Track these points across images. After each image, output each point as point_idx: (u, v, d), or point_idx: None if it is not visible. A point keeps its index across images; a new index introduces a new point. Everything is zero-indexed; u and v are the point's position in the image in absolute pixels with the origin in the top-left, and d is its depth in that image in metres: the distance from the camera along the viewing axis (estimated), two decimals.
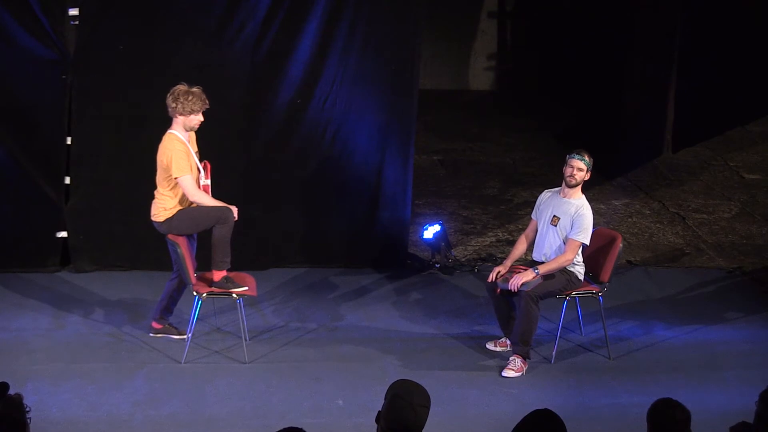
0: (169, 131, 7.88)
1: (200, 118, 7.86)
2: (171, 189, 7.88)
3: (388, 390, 4.56)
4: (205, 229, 7.99)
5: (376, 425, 4.53)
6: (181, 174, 7.78)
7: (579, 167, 8.03)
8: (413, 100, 9.58)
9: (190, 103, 7.77)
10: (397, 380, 4.64)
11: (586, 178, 8.11)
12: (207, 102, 7.85)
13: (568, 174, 8.05)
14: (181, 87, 7.82)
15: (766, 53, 13.70)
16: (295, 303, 9.11)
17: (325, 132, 9.51)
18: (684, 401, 4.93)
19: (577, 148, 8.17)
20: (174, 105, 7.80)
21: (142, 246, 9.28)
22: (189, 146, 7.88)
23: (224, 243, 7.89)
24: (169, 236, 7.92)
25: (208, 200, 7.90)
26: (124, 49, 9.07)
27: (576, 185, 8.08)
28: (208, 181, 8.01)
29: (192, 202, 7.92)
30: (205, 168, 8.01)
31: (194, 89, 7.82)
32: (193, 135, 8.00)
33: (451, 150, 13.31)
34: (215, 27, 9.15)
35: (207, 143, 8.20)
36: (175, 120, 7.86)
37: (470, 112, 14.96)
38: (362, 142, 9.58)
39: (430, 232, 9.94)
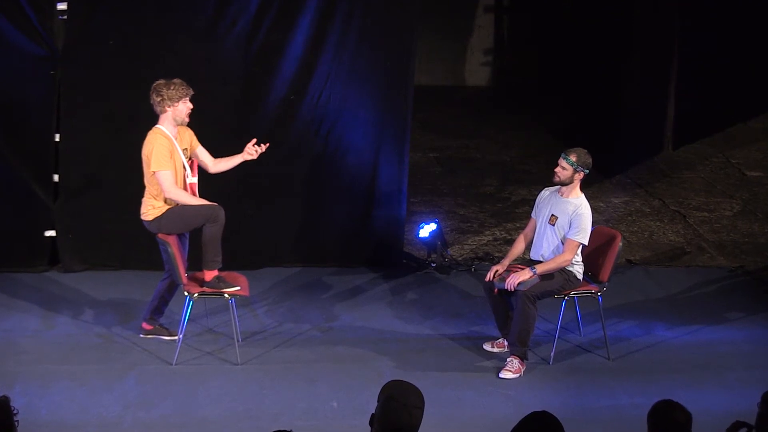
0: (155, 126, 7.84)
1: (189, 105, 7.83)
2: (159, 187, 7.78)
3: (381, 391, 4.52)
4: (195, 227, 7.94)
5: (370, 428, 4.47)
6: (160, 168, 7.71)
7: (562, 166, 7.99)
8: (408, 96, 9.55)
9: (174, 91, 7.75)
10: (391, 381, 4.60)
11: (580, 177, 8.02)
12: (190, 88, 7.83)
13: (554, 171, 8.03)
14: (160, 81, 7.83)
15: (767, 49, 13.64)
16: (289, 303, 9.06)
17: (319, 129, 9.48)
18: (685, 402, 4.91)
19: (574, 147, 8.09)
20: (159, 98, 7.77)
21: (132, 245, 9.23)
22: (175, 142, 7.81)
23: (215, 242, 7.83)
24: (159, 235, 7.86)
25: (186, 198, 7.83)
26: (113, 45, 9.03)
27: (561, 183, 8.03)
28: (195, 179, 7.95)
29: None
30: (191, 166, 7.94)
31: (174, 80, 7.81)
32: (186, 132, 7.94)
33: (447, 147, 13.30)
34: (206, 22, 9.11)
35: (199, 141, 8.11)
36: (163, 115, 7.81)
37: (466, 108, 15.00)
38: (357, 139, 9.55)
39: (426, 230, 9.89)
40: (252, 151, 8.11)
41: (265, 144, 8.10)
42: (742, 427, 5.01)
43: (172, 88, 7.75)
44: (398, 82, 9.47)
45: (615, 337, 8.56)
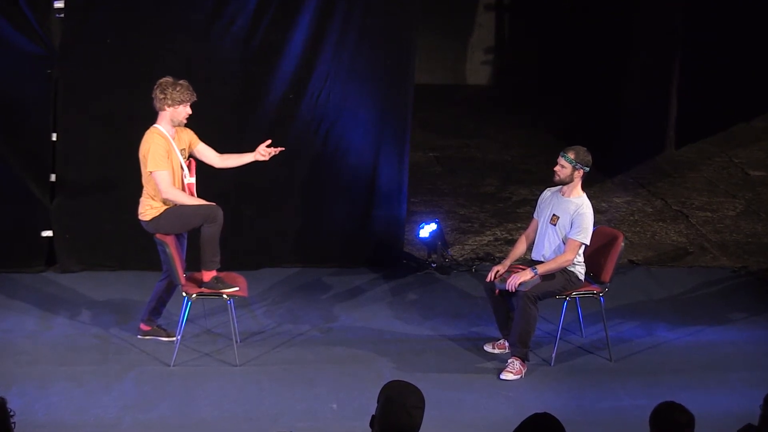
0: (152, 126, 7.80)
1: (188, 110, 7.79)
2: (156, 187, 7.73)
3: (380, 392, 4.49)
4: (193, 228, 7.89)
5: (370, 429, 4.45)
6: (156, 168, 7.67)
7: (561, 164, 7.95)
8: (408, 95, 9.51)
9: (179, 93, 7.70)
10: (390, 381, 4.57)
11: (580, 176, 7.97)
12: (194, 94, 7.79)
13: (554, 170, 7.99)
14: (168, 79, 7.77)
15: None
16: (288, 304, 9.02)
17: (318, 128, 9.44)
18: (687, 404, 4.89)
19: (573, 145, 8.04)
20: (162, 96, 7.72)
21: (130, 245, 9.18)
22: (172, 142, 7.77)
23: (213, 242, 7.79)
24: (157, 235, 7.82)
25: (183, 198, 7.78)
26: (111, 44, 8.99)
27: (562, 182, 7.99)
28: (193, 179, 7.91)
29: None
30: (189, 166, 7.90)
31: (181, 81, 7.77)
32: (184, 132, 7.90)
33: (447, 146, 13.26)
34: (204, 21, 9.07)
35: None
36: (161, 114, 7.77)
37: (467, 107, 14.96)
38: (356, 138, 9.51)
39: (427, 230, 9.85)
40: (265, 152, 8.06)
41: (279, 147, 8.05)
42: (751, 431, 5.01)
43: (177, 89, 7.70)
44: (398, 82, 9.44)
45: (617, 338, 8.51)
